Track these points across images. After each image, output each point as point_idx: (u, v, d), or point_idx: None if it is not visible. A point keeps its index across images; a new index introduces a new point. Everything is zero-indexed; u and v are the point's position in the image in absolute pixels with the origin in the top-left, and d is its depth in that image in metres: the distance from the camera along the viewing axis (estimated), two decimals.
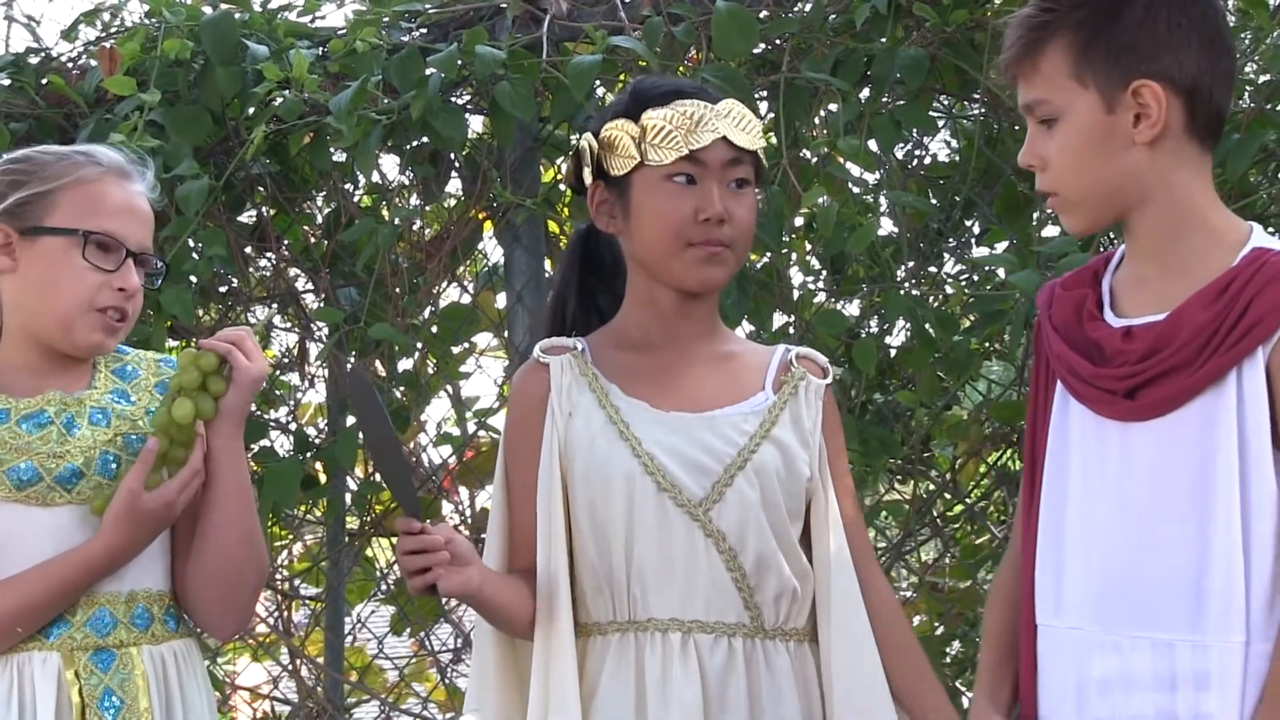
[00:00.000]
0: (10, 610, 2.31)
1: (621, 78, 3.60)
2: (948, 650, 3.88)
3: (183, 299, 3.44)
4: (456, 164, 3.83)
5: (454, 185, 3.93)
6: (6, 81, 3.76)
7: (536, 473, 2.33)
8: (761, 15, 3.43)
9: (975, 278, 3.73)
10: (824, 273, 3.77)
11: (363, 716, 4.60)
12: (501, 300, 3.92)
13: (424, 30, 3.69)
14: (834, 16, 3.46)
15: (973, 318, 3.57)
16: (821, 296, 3.75)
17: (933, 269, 3.85)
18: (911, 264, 3.73)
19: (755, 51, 3.46)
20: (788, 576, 2.31)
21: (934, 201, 3.72)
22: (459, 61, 3.43)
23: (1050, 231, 3.51)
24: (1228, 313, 1.93)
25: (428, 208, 3.98)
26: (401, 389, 3.83)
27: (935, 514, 3.99)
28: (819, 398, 2.40)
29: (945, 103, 3.75)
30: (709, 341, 2.41)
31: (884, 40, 3.36)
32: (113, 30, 3.91)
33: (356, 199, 3.93)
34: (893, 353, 3.74)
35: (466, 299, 4.01)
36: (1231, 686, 1.91)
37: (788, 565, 2.31)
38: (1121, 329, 2.01)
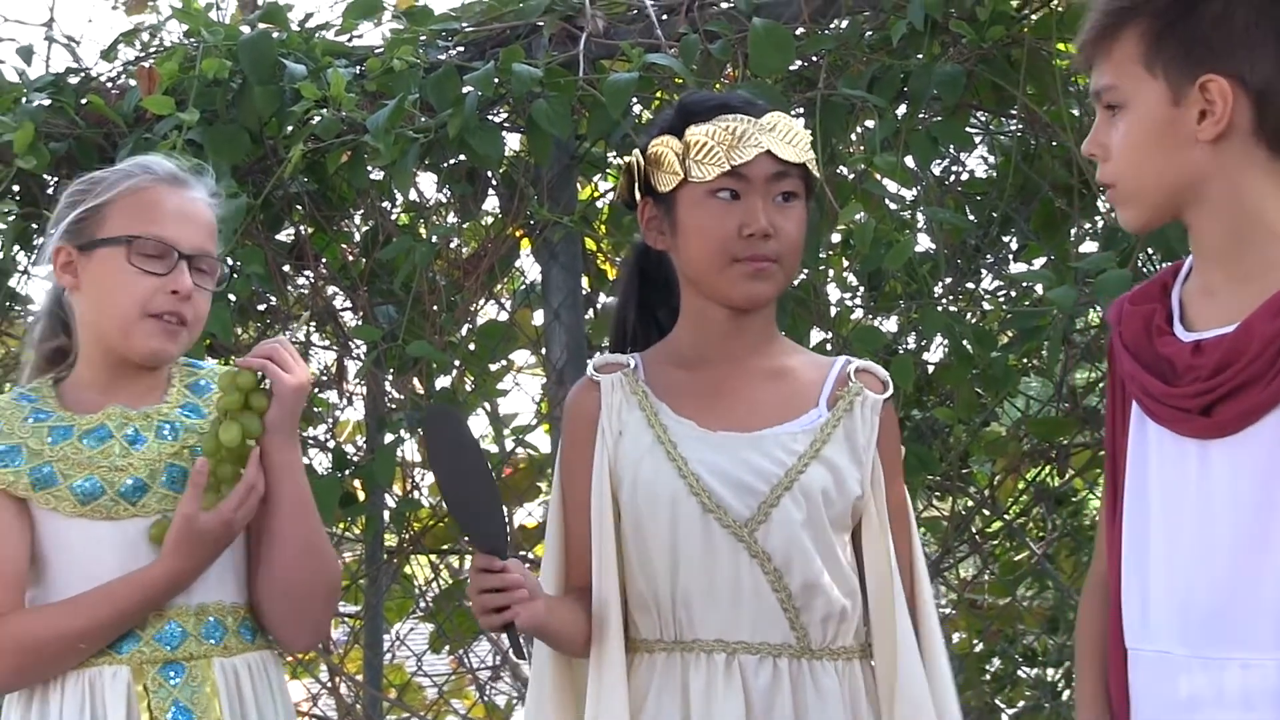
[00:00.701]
0: (76, 631, 2.33)
1: (658, 95, 3.60)
2: (987, 667, 3.86)
3: (221, 317, 3.44)
4: (494, 182, 3.84)
5: (491, 203, 3.93)
6: (47, 101, 3.79)
7: (589, 491, 2.32)
8: (798, 32, 3.42)
9: (1013, 294, 3.70)
10: (861, 289, 3.76)
11: None
12: (539, 318, 3.92)
13: (461, 49, 3.71)
14: (870, 33, 3.45)
15: (1010, 334, 3.55)
16: (859, 313, 3.75)
17: (970, 285, 3.82)
18: (949, 280, 3.72)
19: (791, 68, 3.46)
20: (836, 597, 2.29)
21: (971, 218, 3.70)
22: (496, 80, 3.44)
23: (1088, 247, 3.50)
24: None
25: (465, 225, 3.98)
26: None
27: (974, 530, 3.98)
28: (875, 413, 2.36)
29: (982, 119, 3.74)
30: (764, 356, 2.38)
31: (920, 56, 3.35)
32: (151, 50, 3.95)
33: (394, 217, 3.94)
34: (930, 369, 3.72)
35: (504, 316, 4.01)
36: None
37: (835, 586, 2.29)
38: (1191, 344, 1.96)
